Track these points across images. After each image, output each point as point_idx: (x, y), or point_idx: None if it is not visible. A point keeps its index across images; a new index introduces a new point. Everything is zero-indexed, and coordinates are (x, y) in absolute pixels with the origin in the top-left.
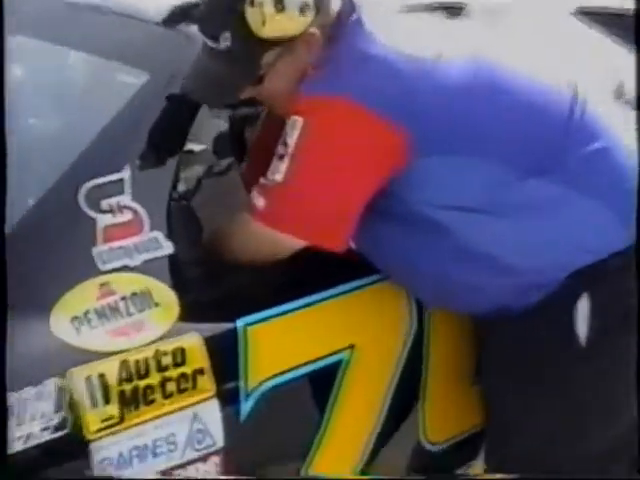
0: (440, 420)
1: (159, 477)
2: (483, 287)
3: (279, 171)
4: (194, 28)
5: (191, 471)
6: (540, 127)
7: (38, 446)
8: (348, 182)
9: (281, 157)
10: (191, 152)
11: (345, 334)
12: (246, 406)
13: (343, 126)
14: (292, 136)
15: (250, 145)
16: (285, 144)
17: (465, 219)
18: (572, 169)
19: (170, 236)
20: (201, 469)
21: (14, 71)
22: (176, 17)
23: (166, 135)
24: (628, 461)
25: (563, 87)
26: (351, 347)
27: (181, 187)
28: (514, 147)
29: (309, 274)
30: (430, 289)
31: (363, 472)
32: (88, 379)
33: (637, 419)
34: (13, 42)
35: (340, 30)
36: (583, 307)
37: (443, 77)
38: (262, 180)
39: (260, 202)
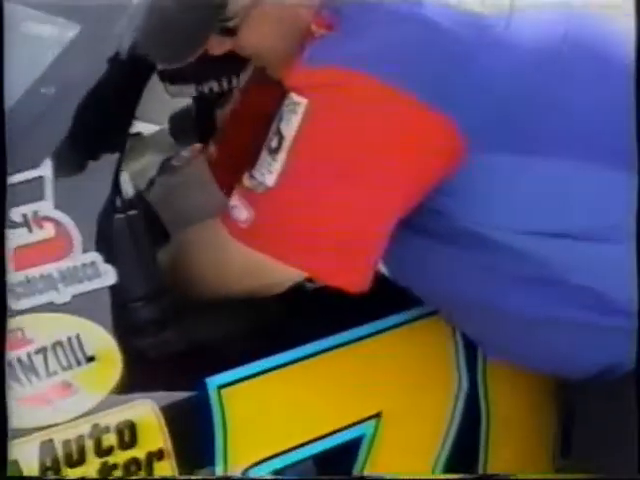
0: None
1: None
2: (577, 331)
3: (270, 171)
4: None
5: None
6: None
7: None
8: (372, 192)
9: (274, 151)
10: (139, 136)
11: (367, 398)
12: None
13: (365, 111)
14: (290, 123)
15: (223, 123)
16: (279, 133)
17: (545, 244)
18: None
19: (111, 260)
20: None
21: None
22: None
23: (105, 113)
24: None
25: None
26: (377, 416)
27: (127, 189)
28: (615, 145)
29: (313, 311)
30: (495, 331)
31: None
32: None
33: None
34: None
35: None
36: None
37: (514, 41)
38: (246, 181)
39: (242, 214)
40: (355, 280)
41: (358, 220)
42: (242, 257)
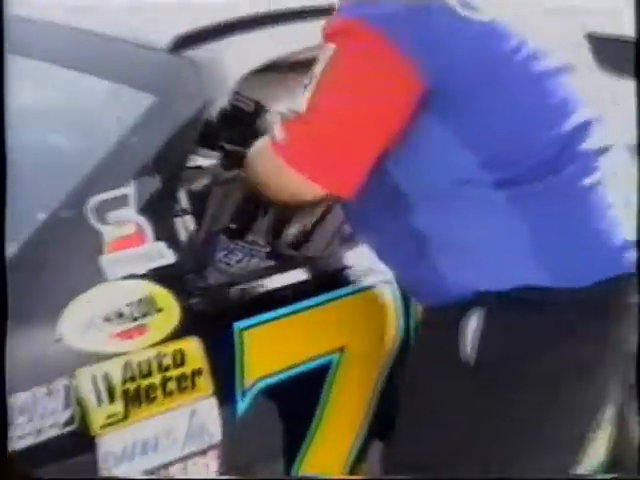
0: None
1: (161, 478)
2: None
3: (301, 101)
4: (197, 53)
5: (190, 464)
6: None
7: (47, 441)
8: (370, 122)
9: (306, 86)
10: (199, 168)
11: (336, 337)
12: (242, 404)
13: (374, 61)
14: (320, 63)
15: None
16: (312, 73)
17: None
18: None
19: (171, 247)
20: (200, 462)
21: (26, 91)
22: (181, 44)
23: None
24: None
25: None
26: (341, 350)
27: (184, 201)
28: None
29: (302, 281)
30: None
31: (352, 472)
32: (94, 379)
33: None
34: (24, 63)
35: None
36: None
37: (483, 37)
38: (283, 109)
39: (280, 134)
40: (347, 190)
41: (357, 143)
42: (280, 167)
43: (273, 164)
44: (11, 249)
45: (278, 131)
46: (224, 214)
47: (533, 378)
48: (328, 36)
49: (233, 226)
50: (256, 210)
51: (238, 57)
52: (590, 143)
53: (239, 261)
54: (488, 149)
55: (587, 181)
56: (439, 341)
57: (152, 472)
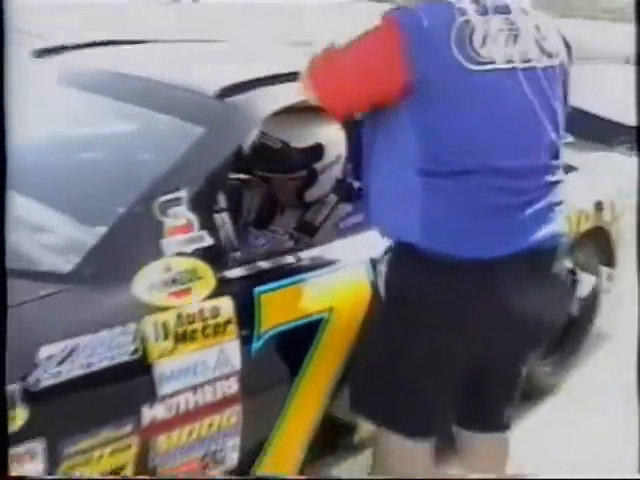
0: None
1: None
2: None
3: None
4: (239, 99)
5: (217, 385)
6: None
7: (118, 364)
8: (363, 77)
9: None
10: (239, 179)
11: (326, 301)
12: (257, 344)
13: (385, 44)
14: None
15: None
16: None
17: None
18: None
19: (212, 233)
20: (225, 384)
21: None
22: (226, 93)
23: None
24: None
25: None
26: (330, 309)
27: (222, 202)
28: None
29: (301, 262)
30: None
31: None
32: (155, 323)
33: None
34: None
35: None
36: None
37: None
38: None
39: (314, 56)
40: (334, 109)
41: (347, 79)
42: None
43: (304, 72)
44: (103, 231)
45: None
46: (252, 211)
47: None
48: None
49: (259, 219)
50: (275, 208)
51: (268, 103)
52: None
53: (263, 245)
54: (431, 146)
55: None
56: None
57: (193, 388)
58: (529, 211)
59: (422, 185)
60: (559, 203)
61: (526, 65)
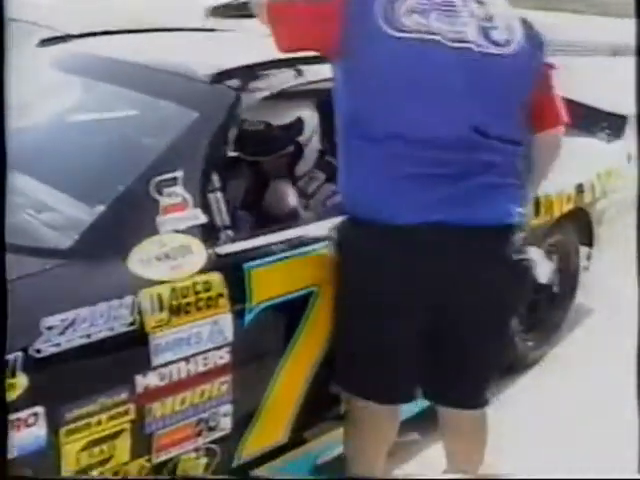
0: None
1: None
2: None
3: None
4: (233, 82)
5: (210, 355)
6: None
7: (117, 334)
8: (307, 13)
9: None
10: (232, 161)
11: (315, 275)
12: (248, 317)
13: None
14: None
15: None
16: None
17: None
18: None
19: (205, 211)
20: (217, 354)
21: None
22: (220, 78)
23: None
24: None
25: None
26: (317, 285)
27: (216, 182)
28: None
29: (290, 239)
30: None
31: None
32: (151, 296)
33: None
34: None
35: None
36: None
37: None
38: None
39: None
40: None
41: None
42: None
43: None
44: (101, 209)
45: None
46: (240, 193)
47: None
48: None
49: (246, 201)
50: (264, 190)
51: (260, 88)
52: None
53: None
54: (357, 109)
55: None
56: None
57: (186, 359)
58: (455, 185)
59: (352, 150)
60: (503, 186)
61: (459, 45)
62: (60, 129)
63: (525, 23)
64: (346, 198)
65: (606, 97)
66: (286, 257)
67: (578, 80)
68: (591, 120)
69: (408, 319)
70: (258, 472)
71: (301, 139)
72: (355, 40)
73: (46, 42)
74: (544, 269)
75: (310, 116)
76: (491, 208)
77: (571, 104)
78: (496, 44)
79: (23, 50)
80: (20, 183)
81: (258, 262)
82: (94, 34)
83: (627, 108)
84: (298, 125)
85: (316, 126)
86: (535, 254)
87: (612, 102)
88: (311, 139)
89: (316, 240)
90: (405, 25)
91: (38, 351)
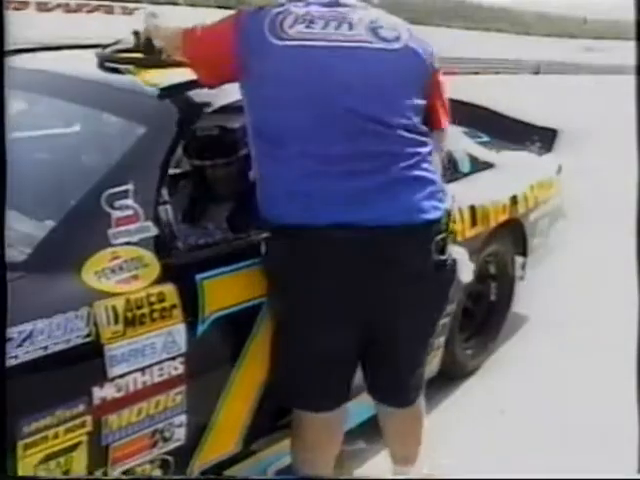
0: None
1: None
2: None
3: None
4: (179, 98)
5: (165, 366)
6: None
7: (74, 346)
8: (209, 42)
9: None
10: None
11: (265, 287)
12: (201, 328)
13: (229, 21)
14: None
15: None
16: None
17: None
18: None
19: (156, 223)
20: (171, 365)
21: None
22: (167, 93)
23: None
24: None
25: None
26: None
27: (165, 195)
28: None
29: (241, 251)
30: None
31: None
32: (106, 308)
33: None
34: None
35: None
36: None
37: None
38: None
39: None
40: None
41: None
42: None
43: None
44: (51, 224)
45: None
46: (187, 206)
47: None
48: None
49: (193, 214)
50: (208, 204)
51: (205, 102)
52: None
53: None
54: (256, 116)
55: None
56: None
57: (142, 370)
58: (360, 182)
59: (261, 159)
60: (410, 179)
61: (350, 44)
62: (7, 145)
63: (411, 31)
64: (262, 207)
65: (533, 112)
66: (238, 268)
67: (508, 95)
68: (523, 134)
69: (334, 328)
70: None
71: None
72: (248, 56)
73: None
74: (467, 269)
75: None
76: (396, 205)
77: (503, 119)
78: (385, 40)
79: None
80: None
81: (210, 273)
82: (33, 50)
83: (554, 123)
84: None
85: None
86: (458, 254)
87: (538, 117)
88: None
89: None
90: (289, 34)
91: None
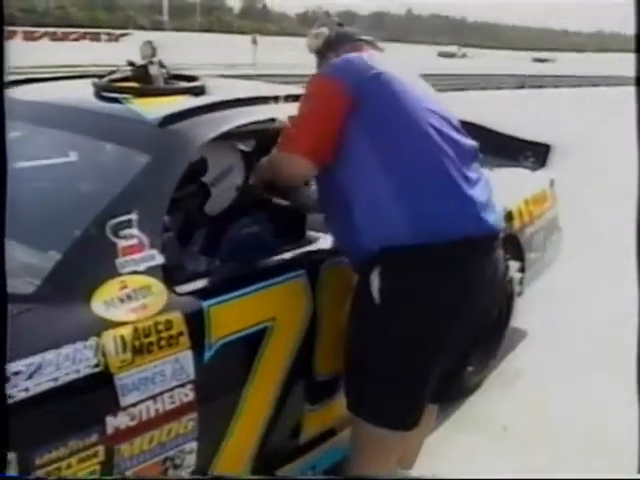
0: (329, 355)
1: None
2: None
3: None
4: (181, 126)
5: (175, 393)
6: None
7: (84, 376)
8: (317, 120)
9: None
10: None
11: (269, 310)
12: (209, 354)
13: (316, 86)
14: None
15: None
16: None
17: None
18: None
19: (163, 251)
20: (181, 392)
21: (67, 156)
22: (169, 121)
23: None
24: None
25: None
26: (273, 319)
27: (168, 223)
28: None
29: (248, 275)
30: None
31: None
32: (114, 338)
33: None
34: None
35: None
36: (375, 277)
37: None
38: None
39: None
40: (298, 150)
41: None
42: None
43: (277, 157)
44: (58, 256)
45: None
46: (188, 235)
47: (416, 311)
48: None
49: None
50: (218, 233)
51: (207, 130)
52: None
53: (202, 265)
54: (379, 136)
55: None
56: (360, 288)
57: (153, 398)
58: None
59: (387, 178)
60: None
61: None
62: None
63: None
64: (394, 236)
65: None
66: (243, 293)
67: (496, 111)
68: (516, 149)
69: (459, 332)
70: None
71: (205, 179)
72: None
73: None
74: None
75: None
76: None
77: (496, 135)
78: None
79: None
80: None
81: (216, 299)
82: (33, 80)
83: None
84: (201, 165)
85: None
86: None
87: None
88: (222, 179)
89: (272, 274)
90: None
91: (9, 397)
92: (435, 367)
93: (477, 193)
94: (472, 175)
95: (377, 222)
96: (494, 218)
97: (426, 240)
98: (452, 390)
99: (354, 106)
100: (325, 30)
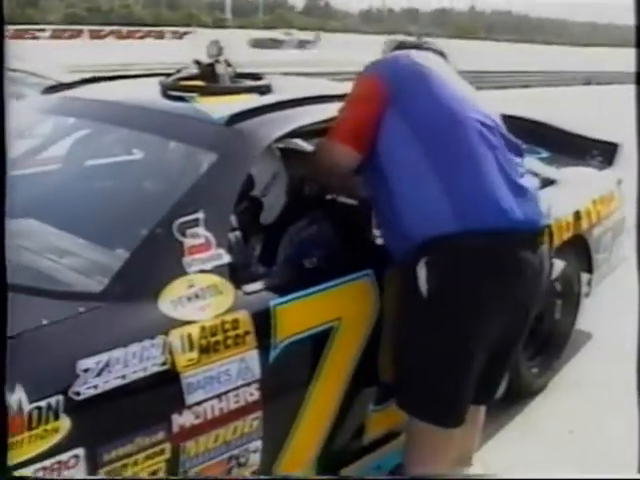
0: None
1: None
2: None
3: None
4: (247, 125)
5: (240, 392)
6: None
7: (150, 375)
8: (354, 109)
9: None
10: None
11: (335, 310)
12: (274, 353)
13: (359, 82)
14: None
15: None
16: None
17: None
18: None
19: (228, 250)
20: (246, 391)
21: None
22: (235, 120)
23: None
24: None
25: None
26: (338, 319)
27: (235, 222)
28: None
29: (313, 275)
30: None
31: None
32: (181, 336)
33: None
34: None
35: None
36: (422, 269)
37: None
38: None
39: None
40: (342, 142)
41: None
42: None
43: (327, 146)
44: (126, 255)
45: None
46: (257, 233)
47: (463, 304)
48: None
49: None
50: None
51: (273, 129)
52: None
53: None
54: (419, 125)
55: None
56: (406, 283)
57: (218, 397)
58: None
59: (427, 164)
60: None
61: None
62: (74, 173)
63: None
64: (441, 225)
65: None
66: (310, 293)
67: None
68: (583, 148)
69: (503, 325)
70: None
71: (255, 192)
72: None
73: (50, 90)
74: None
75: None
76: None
77: (563, 133)
78: None
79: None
80: (34, 228)
81: (283, 299)
82: (101, 79)
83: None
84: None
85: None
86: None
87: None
88: (269, 188)
89: (338, 274)
90: None
91: (77, 394)
92: (476, 363)
93: (520, 186)
94: (516, 169)
95: (421, 212)
96: (538, 212)
97: (469, 227)
98: (493, 392)
99: (393, 96)
100: (396, 37)
